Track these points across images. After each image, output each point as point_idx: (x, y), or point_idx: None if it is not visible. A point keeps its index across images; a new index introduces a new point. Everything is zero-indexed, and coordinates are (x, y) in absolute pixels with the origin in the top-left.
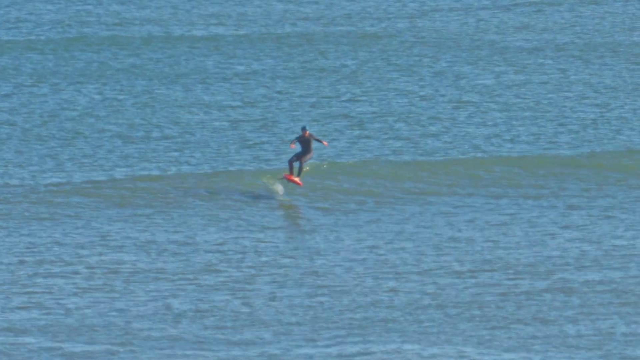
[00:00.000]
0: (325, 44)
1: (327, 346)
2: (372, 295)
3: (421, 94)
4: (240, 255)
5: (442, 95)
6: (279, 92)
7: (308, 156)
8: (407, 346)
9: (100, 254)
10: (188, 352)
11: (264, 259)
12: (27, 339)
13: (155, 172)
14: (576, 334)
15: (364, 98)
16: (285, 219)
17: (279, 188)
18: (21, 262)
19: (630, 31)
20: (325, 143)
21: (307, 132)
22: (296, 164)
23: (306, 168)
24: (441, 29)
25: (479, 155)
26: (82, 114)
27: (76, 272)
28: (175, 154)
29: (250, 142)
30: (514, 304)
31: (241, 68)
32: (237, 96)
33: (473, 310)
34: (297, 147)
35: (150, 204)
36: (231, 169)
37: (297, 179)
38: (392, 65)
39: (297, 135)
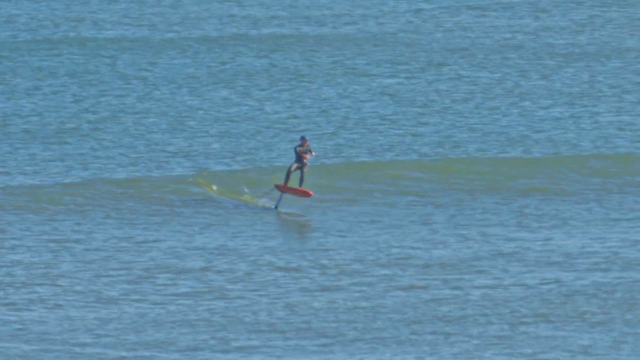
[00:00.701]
0: (239, 46)
1: (239, 350)
2: (280, 301)
3: (334, 95)
4: (144, 255)
5: (356, 96)
6: (190, 94)
7: (307, 166)
8: (329, 356)
9: None
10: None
11: (166, 259)
12: None
13: (65, 176)
14: (481, 333)
15: (276, 98)
16: (187, 219)
17: (214, 188)
18: None
19: (554, 33)
20: (313, 153)
21: (307, 142)
22: (295, 174)
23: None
24: (359, 30)
25: (389, 156)
26: None
27: None
28: (85, 155)
29: (161, 145)
30: (425, 305)
31: (154, 70)
32: (149, 98)
33: (389, 314)
34: (294, 156)
35: (57, 207)
36: (137, 174)
37: (303, 189)
38: (308, 66)
39: (297, 144)
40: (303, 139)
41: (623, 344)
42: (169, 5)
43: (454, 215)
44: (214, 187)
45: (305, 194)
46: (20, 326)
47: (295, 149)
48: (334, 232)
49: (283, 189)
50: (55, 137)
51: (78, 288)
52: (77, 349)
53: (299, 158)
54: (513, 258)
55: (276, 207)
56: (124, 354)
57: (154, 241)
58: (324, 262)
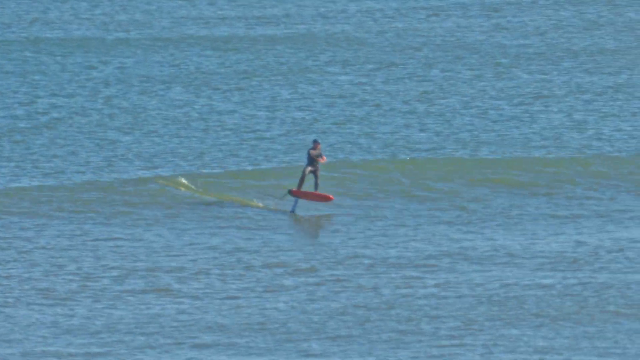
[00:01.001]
0: (191, 46)
1: (191, 348)
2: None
3: (286, 95)
4: (94, 253)
5: (309, 97)
6: (142, 94)
7: (319, 170)
8: (281, 357)
9: None
10: None
11: (103, 262)
12: None
13: (15, 175)
14: (434, 332)
15: (228, 98)
16: (137, 216)
17: (182, 183)
18: None
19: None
20: (324, 159)
21: (320, 144)
22: (308, 177)
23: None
24: (310, 30)
25: (341, 156)
26: None
27: None
28: (35, 154)
29: (113, 144)
30: (376, 305)
31: (106, 69)
32: (100, 98)
33: (341, 315)
34: (306, 160)
35: (6, 199)
36: (90, 173)
37: (322, 193)
38: (260, 67)
39: (310, 147)
40: (315, 141)
41: (579, 343)
42: (121, 5)
43: (401, 212)
44: (183, 180)
45: (326, 199)
46: None
47: (308, 152)
48: (282, 231)
49: (299, 194)
50: (6, 136)
51: (26, 287)
52: (27, 348)
53: (312, 161)
54: (461, 257)
55: (293, 211)
56: (72, 350)
57: (105, 239)
58: (273, 261)
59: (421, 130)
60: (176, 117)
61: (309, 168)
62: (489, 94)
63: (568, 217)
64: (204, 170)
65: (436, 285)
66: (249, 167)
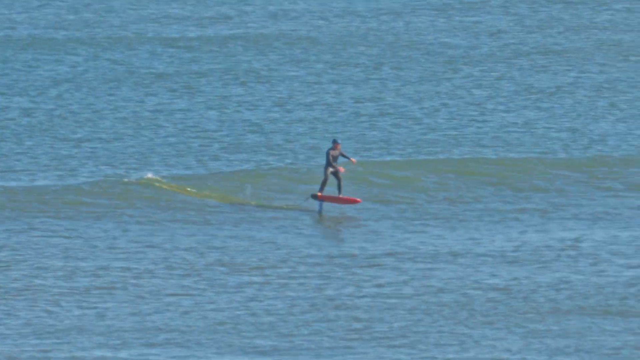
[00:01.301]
0: (142, 44)
1: (141, 346)
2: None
3: (235, 97)
4: (41, 251)
5: (258, 99)
6: (91, 94)
7: (340, 172)
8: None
9: None
10: None
11: (49, 260)
12: None
13: None
14: (385, 333)
15: (179, 99)
16: (82, 214)
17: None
18: None
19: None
20: (349, 163)
21: (339, 144)
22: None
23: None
24: (254, 31)
25: (291, 160)
26: None
27: None
28: None
29: (63, 145)
30: (325, 305)
31: (58, 69)
32: (49, 99)
33: (292, 315)
34: (325, 161)
35: None
36: (36, 176)
37: (347, 197)
38: (212, 67)
39: (329, 148)
40: (335, 141)
41: (529, 342)
42: (71, 4)
43: (346, 208)
44: (161, 180)
45: (352, 202)
46: None
47: (327, 152)
48: (227, 227)
49: (324, 198)
50: None
51: None
52: None
53: (333, 162)
54: (405, 257)
55: (319, 212)
56: (19, 349)
57: (51, 236)
58: (218, 259)
59: (372, 129)
60: (126, 117)
61: (330, 169)
62: (439, 94)
63: (512, 212)
64: (153, 168)
65: (382, 285)
66: (200, 168)
